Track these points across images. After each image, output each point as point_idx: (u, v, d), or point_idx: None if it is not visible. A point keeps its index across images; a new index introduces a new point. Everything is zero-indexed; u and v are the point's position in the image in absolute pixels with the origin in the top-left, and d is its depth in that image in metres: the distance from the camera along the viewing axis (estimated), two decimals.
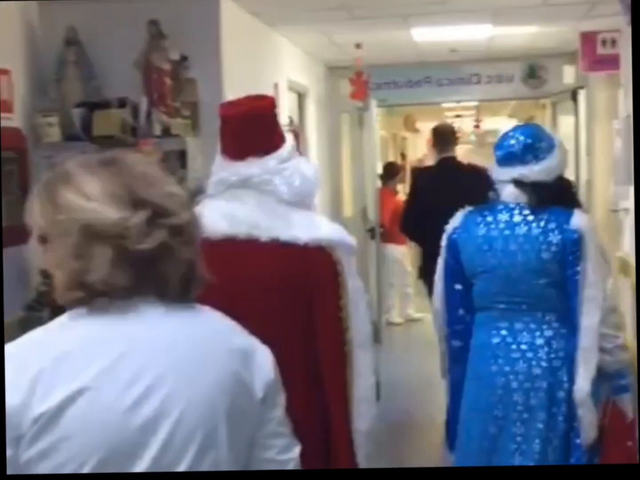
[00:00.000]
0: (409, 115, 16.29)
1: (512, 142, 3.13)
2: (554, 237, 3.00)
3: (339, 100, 9.73)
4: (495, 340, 3.13)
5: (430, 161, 8.71)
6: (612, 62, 7.46)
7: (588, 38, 7.53)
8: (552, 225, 3.02)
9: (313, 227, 2.36)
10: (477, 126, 17.45)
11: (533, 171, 3.09)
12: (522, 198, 3.10)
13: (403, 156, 16.61)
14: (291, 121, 7.05)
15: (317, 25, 7.19)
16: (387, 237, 9.21)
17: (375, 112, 8.89)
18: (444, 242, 3.26)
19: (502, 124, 24.70)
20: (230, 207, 2.36)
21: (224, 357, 1.54)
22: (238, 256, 2.33)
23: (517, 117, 19.04)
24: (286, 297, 2.34)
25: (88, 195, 1.48)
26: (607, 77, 8.85)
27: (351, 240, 2.43)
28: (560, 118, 9.99)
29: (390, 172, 9.93)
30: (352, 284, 2.37)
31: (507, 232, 3.08)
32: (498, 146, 3.20)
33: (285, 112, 7.21)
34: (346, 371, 2.34)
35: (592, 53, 7.52)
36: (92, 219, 1.46)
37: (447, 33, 7.71)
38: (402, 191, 10.64)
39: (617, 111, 8.91)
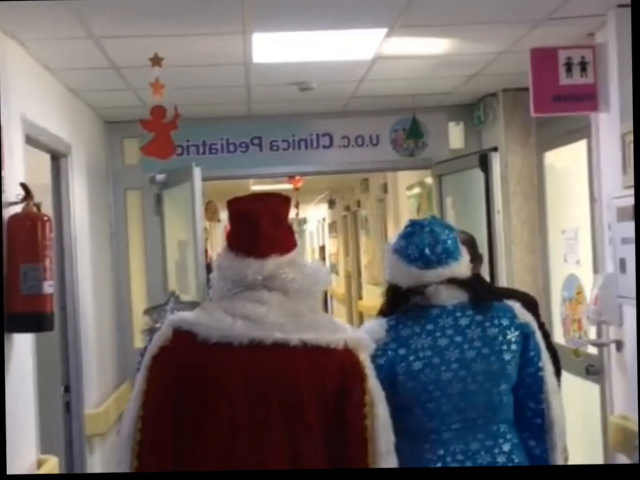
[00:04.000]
0: (210, 201, 13.28)
1: (444, 238, 2.88)
2: (512, 335, 2.86)
3: (124, 170, 6.39)
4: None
5: None
6: (583, 98, 4.50)
7: (544, 58, 4.53)
8: (505, 322, 2.87)
9: (337, 328, 2.41)
10: (296, 213, 14.33)
11: (463, 266, 2.90)
12: (462, 297, 2.88)
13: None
14: (27, 193, 3.49)
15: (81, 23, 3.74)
16: None
17: (199, 188, 5.44)
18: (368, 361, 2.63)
19: (310, 212, 21.71)
20: (252, 309, 2.33)
21: None
22: (267, 360, 2.32)
23: (337, 204, 16.01)
24: (319, 401, 2.35)
25: None
26: (523, 135, 5.95)
27: (369, 338, 2.51)
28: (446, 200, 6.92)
29: None
30: (373, 384, 2.42)
31: (458, 338, 2.83)
32: (425, 246, 2.86)
33: (17, 175, 3.68)
34: None
35: (552, 83, 4.52)
36: None
37: (313, 43, 4.48)
38: None
39: (542, 185, 6.03)
